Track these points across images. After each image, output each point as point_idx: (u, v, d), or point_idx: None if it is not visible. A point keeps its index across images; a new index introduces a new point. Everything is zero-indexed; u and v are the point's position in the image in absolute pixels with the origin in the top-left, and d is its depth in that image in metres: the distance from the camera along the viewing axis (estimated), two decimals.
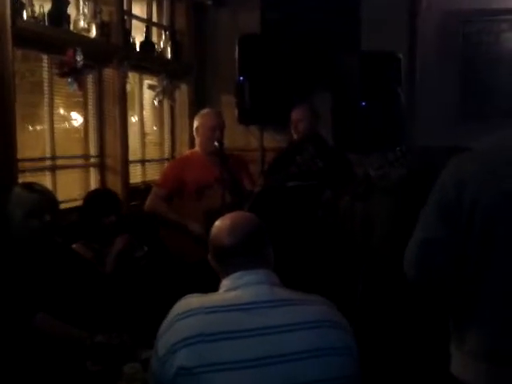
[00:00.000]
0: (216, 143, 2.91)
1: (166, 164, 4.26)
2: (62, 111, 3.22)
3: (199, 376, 1.24)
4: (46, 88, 3.00)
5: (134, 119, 3.89)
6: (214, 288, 1.44)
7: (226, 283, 1.41)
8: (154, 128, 4.23)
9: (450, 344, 1.47)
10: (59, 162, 3.14)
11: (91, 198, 2.56)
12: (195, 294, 1.41)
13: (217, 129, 2.95)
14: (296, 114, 3.40)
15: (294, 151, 3.24)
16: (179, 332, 1.29)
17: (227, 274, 1.42)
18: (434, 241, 1.38)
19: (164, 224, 2.93)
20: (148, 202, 2.99)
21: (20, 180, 2.58)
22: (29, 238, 1.95)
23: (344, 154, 3.47)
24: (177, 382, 1.25)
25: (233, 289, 1.38)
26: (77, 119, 3.38)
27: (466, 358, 1.41)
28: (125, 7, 3.56)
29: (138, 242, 2.46)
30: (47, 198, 2.01)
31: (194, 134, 3.07)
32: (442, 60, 4.11)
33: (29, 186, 2.04)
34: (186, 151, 3.65)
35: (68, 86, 2.92)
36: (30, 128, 3.05)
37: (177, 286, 2.61)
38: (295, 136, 3.41)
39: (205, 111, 3.09)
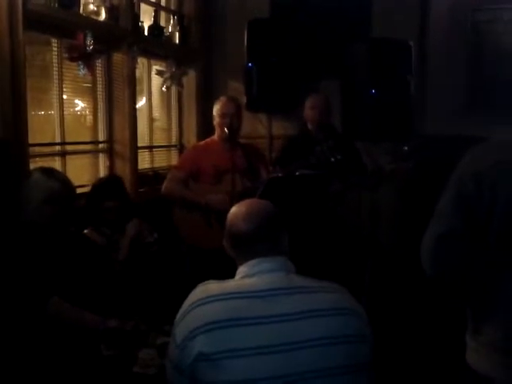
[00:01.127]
0: (226, 129, 2.90)
1: (174, 151, 4.25)
2: (70, 96, 3.20)
3: (218, 362, 1.25)
4: (55, 72, 2.99)
5: (141, 105, 3.87)
6: (230, 275, 1.44)
7: (242, 270, 1.42)
8: (163, 112, 4.22)
9: (466, 333, 1.47)
10: (68, 148, 3.13)
11: (96, 183, 2.57)
12: (212, 281, 1.42)
13: (228, 116, 2.94)
14: (312, 102, 3.39)
15: (307, 140, 3.22)
16: (198, 318, 1.30)
17: (244, 260, 1.42)
18: (452, 234, 1.37)
19: (179, 209, 2.93)
20: (165, 184, 2.97)
21: (31, 165, 2.57)
22: (41, 224, 1.95)
23: (353, 143, 3.45)
24: (196, 367, 1.26)
25: (249, 276, 1.39)
26: (85, 105, 3.37)
27: (482, 348, 1.41)
28: None
29: (148, 228, 2.47)
30: (66, 188, 2.01)
31: (213, 120, 3.07)
32: (452, 48, 4.07)
33: (49, 172, 2.03)
34: (198, 141, 3.64)
35: (78, 70, 2.90)
36: (39, 112, 3.03)
37: (191, 273, 2.62)
38: (309, 124, 3.40)
39: (221, 98, 3.08)
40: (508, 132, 1.48)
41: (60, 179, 2.01)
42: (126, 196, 2.55)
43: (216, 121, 3.00)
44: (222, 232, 1.50)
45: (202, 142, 3.21)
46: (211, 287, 1.38)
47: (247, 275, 1.39)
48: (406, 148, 2.97)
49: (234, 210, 1.48)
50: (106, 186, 2.51)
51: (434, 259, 1.40)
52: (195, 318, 1.30)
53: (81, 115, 3.38)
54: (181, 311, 1.36)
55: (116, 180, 2.64)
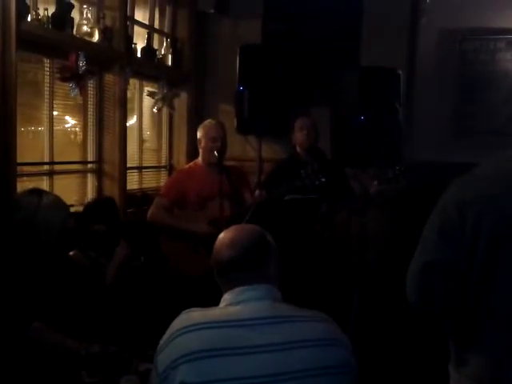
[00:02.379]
0: (216, 153, 2.91)
1: (164, 172, 4.25)
2: (61, 116, 3.20)
3: None
4: (46, 92, 2.99)
5: (132, 125, 3.88)
6: (216, 302, 1.43)
7: (227, 298, 1.40)
8: (153, 133, 4.23)
9: (449, 364, 1.47)
10: (57, 167, 3.12)
11: (88, 204, 2.55)
12: (196, 309, 1.40)
13: (217, 140, 2.96)
14: (300, 124, 3.43)
15: (295, 164, 3.25)
16: (180, 347, 1.28)
17: (229, 288, 1.41)
18: (436, 264, 1.37)
19: (166, 235, 2.92)
20: (150, 211, 2.98)
21: (18, 185, 2.56)
22: (66, 241, 1.94)
23: (341, 168, 3.49)
24: None
25: (234, 304, 1.38)
26: (76, 124, 3.37)
27: (465, 379, 1.40)
28: (128, 13, 3.57)
29: (135, 252, 2.45)
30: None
31: (198, 144, 3.08)
32: (440, 77, 4.16)
33: (39, 192, 2.02)
34: (187, 162, 3.64)
35: (69, 91, 2.91)
36: (29, 130, 3.03)
37: (176, 299, 2.60)
38: (297, 147, 3.43)
39: (206, 122, 3.09)
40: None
41: (53, 195, 2.01)
42: (117, 219, 2.53)
43: (204, 144, 3.00)
44: (208, 258, 1.49)
45: (187, 167, 3.22)
46: (194, 315, 1.37)
47: (232, 303, 1.38)
48: (393, 170, 3.00)
49: (221, 236, 1.48)
50: (97, 208, 2.50)
51: (418, 288, 1.41)
52: (178, 347, 1.29)
53: (70, 134, 3.38)
54: (163, 339, 1.34)
55: (108, 202, 2.61)
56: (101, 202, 2.59)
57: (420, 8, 4.10)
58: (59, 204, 1.98)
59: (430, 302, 1.42)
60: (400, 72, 3.75)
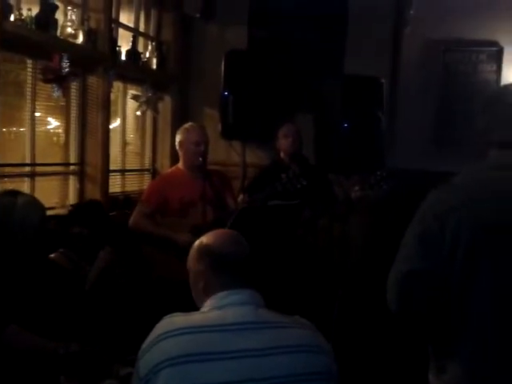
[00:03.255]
0: (200, 158, 2.89)
1: (147, 176, 4.23)
2: (43, 117, 3.17)
3: None
4: (28, 93, 2.96)
5: (115, 128, 3.86)
6: (195, 307, 1.42)
7: (210, 302, 1.40)
8: (137, 136, 4.21)
9: (429, 372, 1.48)
10: (38, 169, 3.08)
11: (74, 207, 2.52)
12: (178, 313, 1.39)
13: (201, 144, 2.93)
14: (285, 131, 3.43)
15: (278, 169, 3.26)
16: (162, 352, 1.28)
17: (212, 292, 1.40)
18: (415, 273, 1.38)
19: (148, 242, 2.89)
20: (132, 218, 2.93)
21: None
22: (45, 243, 1.91)
23: (325, 173, 3.51)
24: None
25: (217, 308, 1.37)
26: (58, 126, 3.33)
27: None
28: (113, 15, 3.55)
29: (119, 257, 2.43)
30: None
31: (177, 148, 3.02)
32: (423, 86, 4.22)
33: (14, 193, 2.00)
34: (171, 166, 3.60)
35: (52, 92, 2.88)
36: (10, 131, 2.99)
37: (158, 303, 2.58)
38: (281, 153, 3.44)
39: (188, 125, 3.04)
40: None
41: (31, 196, 1.99)
42: (103, 224, 2.49)
43: (187, 149, 2.93)
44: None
45: (168, 172, 3.17)
46: (177, 320, 1.36)
47: (215, 307, 1.38)
48: (375, 176, 3.03)
49: (210, 235, 1.46)
50: (82, 211, 2.46)
51: (398, 296, 1.42)
52: (160, 352, 1.28)
53: (53, 136, 3.34)
54: (145, 343, 1.33)
55: (95, 206, 2.57)
56: (87, 205, 2.55)
57: (404, 18, 4.15)
58: (35, 204, 1.96)
59: (409, 310, 1.43)
60: (383, 81, 3.80)
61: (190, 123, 3.12)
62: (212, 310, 1.38)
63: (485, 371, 1.36)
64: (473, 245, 1.35)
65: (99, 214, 2.47)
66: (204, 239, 1.46)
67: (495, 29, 4.09)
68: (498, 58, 4.11)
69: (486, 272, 1.35)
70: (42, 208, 1.98)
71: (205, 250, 1.43)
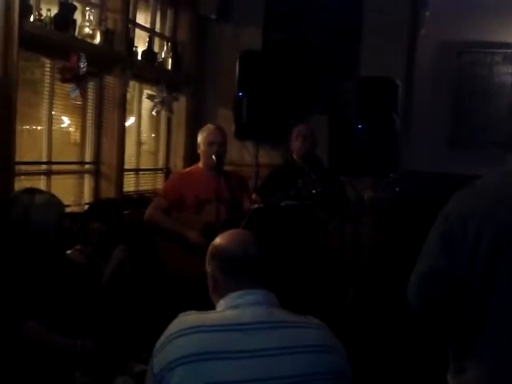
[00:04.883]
0: (214, 157, 2.92)
1: (160, 175, 4.26)
2: (60, 116, 3.21)
3: None
4: (46, 92, 3.00)
5: (130, 127, 3.89)
6: (209, 304, 1.44)
7: (224, 302, 1.41)
8: (151, 135, 4.24)
9: (448, 373, 1.48)
10: (54, 167, 3.12)
11: (93, 203, 2.56)
12: (193, 312, 1.41)
13: (215, 144, 2.97)
14: (297, 132, 3.45)
15: (291, 170, 3.27)
16: (176, 350, 1.29)
17: (227, 291, 1.42)
18: (437, 273, 1.40)
19: (162, 236, 2.92)
20: (148, 211, 2.97)
21: (16, 184, 2.56)
22: (63, 240, 1.94)
23: (338, 176, 3.51)
24: None
25: (232, 308, 1.38)
26: (74, 125, 3.37)
27: None
28: (129, 16, 3.59)
29: (132, 254, 2.46)
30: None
31: (197, 149, 3.09)
32: (437, 88, 4.20)
33: (33, 191, 2.03)
34: (184, 166, 3.65)
35: (70, 92, 2.92)
36: (28, 129, 3.03)
37: (171, 300, 2.60)
38: (294, 154, 3.45)
39: (206, 126, 3.10)
40: (489, 170, 1.53)
41: (50, 194, 2.02)
42: (119, 222, 2.52)
43: (202, 149, 3.01)
44: (203, 259, 1.49)
45: (187, 170, 3.22)
46: (192, 318, 1.37)
47: (230, 307, 1.39)
48: (388, 179, 3.04)
49: (223, 236, 1.48)
50: (101, 208, 2.50)
51: (419, 296, 1.43)
52: (174, 349, 1.29)
53: (69, 134, 3.39)
54: (160, 341, 1.35)
55: (113, 204, 2.61)
56: (105, 203, 2.59)
57: (419, 20, 4.14)
58: (53, 202, 1.99)
59: (430, 309, 1.44)
60: (398, 82, 3.79)
61: (208, 125, 3.17)
62: (226, 309, 1.39)
63: (506, 372, 1.37)
64: (494, 247, 1.36)
65: (117, 212, 2.51)
66: (216, 241, 1.48)
67: (511, 31, 4.07)
68: None
69: (506, 275, 1.36)
70: (60, 205, 2.00)
71: (214, 252, 1.45)
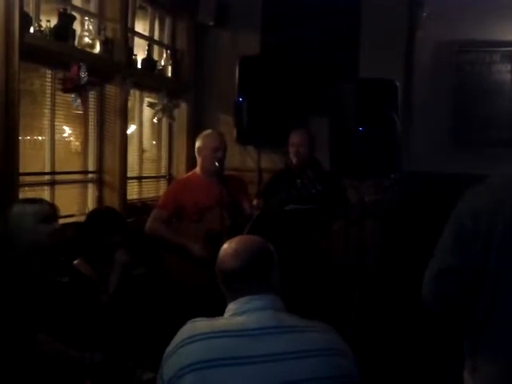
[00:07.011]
0: (217, 163, 2.92)
1: (163, 182, 4.27)
2: (62, 126, 3.22)
3: None
4: (48, 102, 3.01)
5: (132, 135, 3.91)
6: (215, 311, 1.44)
7: (232, 308, 1.42)
8: (153, 143, 4.25)
9: (464, 370, 1.49)
10: (58, 177, 3.13)
11: (96, 216, 2.53)
12: (201, 318, 1.41)
13: (218, 150, 2.97)
14: (295, 138, 3.44)
15: (290, 174, 3.27)
16: (186, 356, 1.29)
17: (234, 298, 1.43)
18: (450, 270, 1.42)
19: (164, 247, 2.92)
20: (148, 223, 2.96)
21: (20, 194, 2.57)
22: (40, 244, 1.94)
23: (338, 178, 3.51)
24: None
25: (239, 314, 1.39)
26: (76, 134, 3.39)
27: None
28: (128, 24, 3.60)
29: (136, 260, 2.46)
30: (53, 208, 2.03)
31: (196, 154, 3.07)
32: (437, 88, 4.21)
33: (29, 200, 2.06)
34: (187, 172, 3.64)
35: (71, 102, 2.93)
36: (30, 140, 3.04)
37: (177, 309, 2.60)
38: (293, 159, 3.45)
39: (207, 132, 3.10)
40: (491, 169, 1.54)
41: (44, 202, 2.05)
42: (125, 229, 2.52)
43: (205, 155, 2.99)
44: (208, 268, 1.50)
45: (185, 177, 3.21)
46: (200, 325, 1.38)
47: (237, 313, 1.40)
48: (389, 180, 3.03)
49: (224, 247, 1.49)
50: (109, 221, 2.46)
51: (433, 295, 1.45)
52: (183, 357, 1.30)
53: (71, 144, 3.40)
54: (169, 348, 1.35)
55: (114, 213, 2.59)
56: (108, 214, 2.56)
57: (417, 20, 4.15)
58: (25, 210, 1.98)
59: (445, 307, 1.46)
60: (397, 83, 3.79)
61: (208, 130, 3.16)
62: (234, 315, 1.40)
63: None
64: (504, 245, 1.37)
65: (120, 220, 2.50)
66: (220, 251, 1.48)
67: (509, 29, 4.08)
68: None
69: None
70: (33, 212, 1.97)
71: (215, 265, 1.47)
